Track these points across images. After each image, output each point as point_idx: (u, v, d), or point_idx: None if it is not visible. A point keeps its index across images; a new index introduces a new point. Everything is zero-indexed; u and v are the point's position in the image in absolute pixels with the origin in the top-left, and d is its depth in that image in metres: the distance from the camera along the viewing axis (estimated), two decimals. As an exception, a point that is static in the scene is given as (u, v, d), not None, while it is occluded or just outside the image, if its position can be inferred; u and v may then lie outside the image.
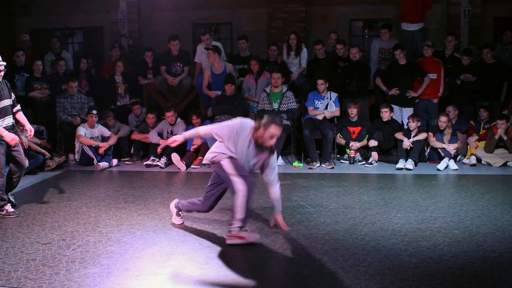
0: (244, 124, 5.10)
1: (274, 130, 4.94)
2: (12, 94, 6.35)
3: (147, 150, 9.56)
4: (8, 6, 13.26)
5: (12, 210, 6.14)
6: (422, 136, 8.95)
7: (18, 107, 6.47)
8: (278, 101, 9.11)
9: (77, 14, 13.36)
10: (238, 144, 5.03)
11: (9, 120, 6.21)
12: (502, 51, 10.20)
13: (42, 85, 9.96)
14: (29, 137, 6.77)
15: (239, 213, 4.91)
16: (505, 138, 8.70)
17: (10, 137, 6.01)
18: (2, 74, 6.12)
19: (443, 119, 8.94)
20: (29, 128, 6.43)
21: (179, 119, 9.56)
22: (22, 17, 13.63)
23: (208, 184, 5.37)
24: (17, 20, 13.72)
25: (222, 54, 10.23)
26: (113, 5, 12.76)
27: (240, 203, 4.89)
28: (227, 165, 5.00)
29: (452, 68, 9.82)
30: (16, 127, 6.39)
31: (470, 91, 9.64)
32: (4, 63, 6.15)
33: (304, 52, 10.12)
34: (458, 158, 9.14)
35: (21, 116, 6.49)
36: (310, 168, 8.75)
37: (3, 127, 6.06)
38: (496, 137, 8.73)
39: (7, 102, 6.19)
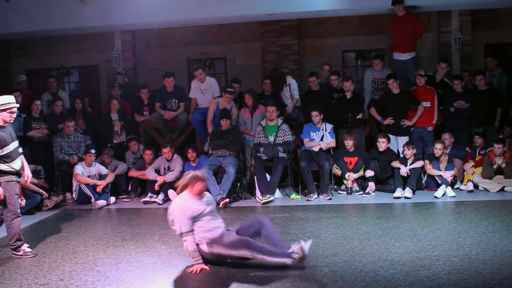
0: (182, 202, 5.35)
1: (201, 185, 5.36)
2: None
3: (145, 187, 9.56)
4: (3, 47, 13.40)
5: (29, 250, 6.09)
6: (418, 164, 8.97)
7: (21, 150, 6.36)
8: (274, 134, 9.15)
9: (73, 53, 13.54)
10: (200, 218, 5.30)
11: (18, 164, 6.14)
12: (490, 77, 10.30)
13: (41, 124, 10.02)
14: (26, 183, 6.73)
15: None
16: (503, 165, 8.73)
17: None
18: (15, 116, 6.11)
19: (438, 146, 8.98)
20: (27, 174, 6.38)
21: (175, 155, 9.58)
22: (18, 58, 13.77)
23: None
24: (13, 61, 13.86)
25: (217, 89, 10.28)
26: (108, 44, 12.94)
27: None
28: (223, 245, 5.28)
29: (446, 95, 9.89)
30: (22, 171, 6.30)
31: (464, 118, 9.72)
32: (17, 105, 6.14)
33: (294, 84, 10.14)
34: (455, 185, 9.14)
35: (22, 160, 6.37)
36: (308, 200, 8.74)
37: (14, 170, 6.03)
38: (495, 166, 8.77)
39: (16, 144, 6.13)
